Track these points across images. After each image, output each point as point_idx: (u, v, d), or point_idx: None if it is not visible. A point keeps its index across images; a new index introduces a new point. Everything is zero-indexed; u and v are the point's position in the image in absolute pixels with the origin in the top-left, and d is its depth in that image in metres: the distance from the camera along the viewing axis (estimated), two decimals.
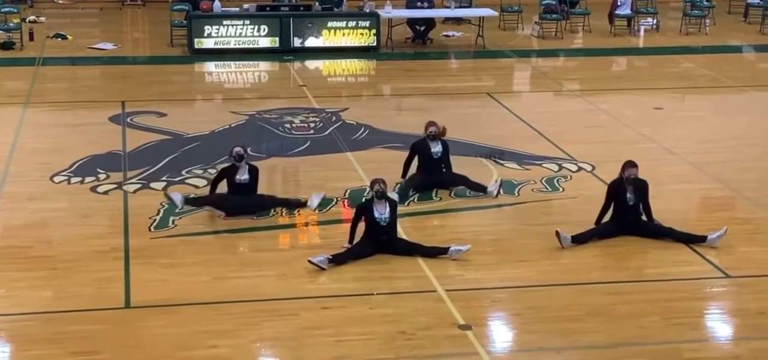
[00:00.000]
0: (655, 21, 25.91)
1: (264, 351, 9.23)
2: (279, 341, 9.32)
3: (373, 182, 11.21)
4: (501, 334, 9.72)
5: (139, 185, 13.27)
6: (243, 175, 12.14)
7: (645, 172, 11.97)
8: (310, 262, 10.64)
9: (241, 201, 12.13)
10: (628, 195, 11.59)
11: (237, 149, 12.27)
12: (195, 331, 9.39)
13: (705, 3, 25.88)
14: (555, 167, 14.24)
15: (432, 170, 13.05)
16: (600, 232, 11.60)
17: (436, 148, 13.06)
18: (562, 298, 10.24)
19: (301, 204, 12.24)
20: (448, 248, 10.97)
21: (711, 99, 19.09)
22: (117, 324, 9.57)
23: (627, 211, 11.62)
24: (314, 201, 12.04)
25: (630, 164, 11.64)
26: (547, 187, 13.45)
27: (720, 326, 9.94)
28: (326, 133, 15.94)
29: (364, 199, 11.65)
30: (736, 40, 24.88)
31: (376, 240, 10.98)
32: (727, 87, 19.89)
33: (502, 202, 12.88)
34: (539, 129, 16.16)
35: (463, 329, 9.50)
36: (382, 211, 11.02)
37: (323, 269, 10.60)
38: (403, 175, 13.18)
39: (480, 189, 12.97)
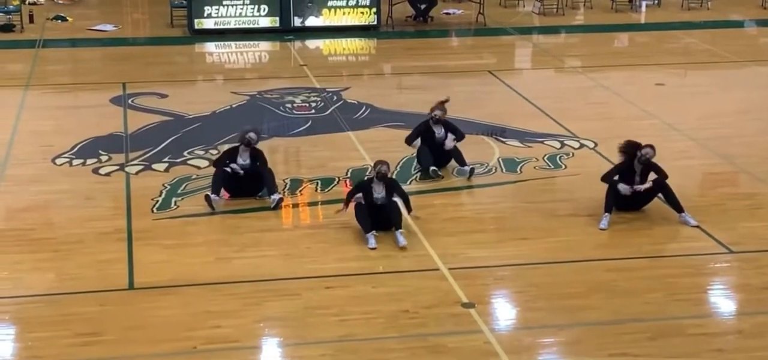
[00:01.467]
0: None
1: (268, 331, 9.23)
2: (283, 321, 9.32)
3: (377, 163, 11.23)
4: (504, 311, 9.72)
5: (141, 166, 13.27)
6: (245, 160, 12.05)
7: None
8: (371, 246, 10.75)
9: (242, 185, 12.04)
10: (637, 177, 11.50)
11: (250, 135, 12.08)
12: (198, 312, 9.40)
13: None
14: (557, 144, 14.22)
15: (437, 150, 13.02)
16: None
17: (440, 132, 13.03)
18: (565, 275, 10.25)
19: (271, 193, 11.98)
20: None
21: (713, 74, 19.05)
22: (120, 305, 9.58)
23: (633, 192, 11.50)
24: (274, 199, 11.90)
25: (649, 146, 11.50)
26: (550, 164, 13.43)
27: (723, 301, 9.94)
28: (327, 112, 15.92)
29: (365, 178, 11.63)
30: (737, 15, 24.80)
31: (374, 218, 11.00)
32: (729, 62, 19.85)
33: (504, 180, 12.88)
34: (541, 106, 16.14)
35: (466, 307, 9.50)
36: (379, 192, 11.06)
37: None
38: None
39: (463, 163, 12.99)
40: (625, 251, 10.91)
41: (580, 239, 11.13)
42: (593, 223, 11.42)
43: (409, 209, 11.24)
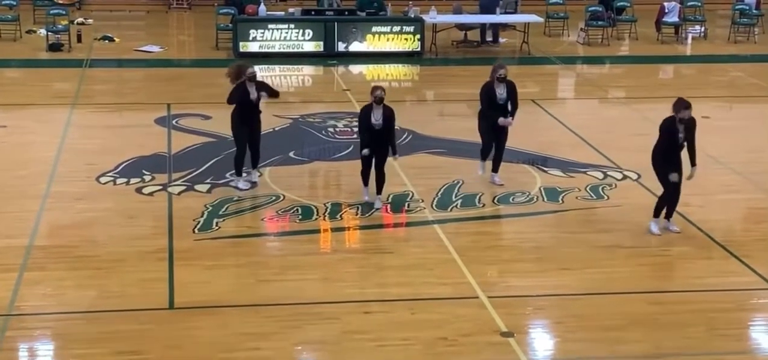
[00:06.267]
0: (703, 29, 25.65)
1: (306, 354, 9.25)
2: (321, 345, 9.33)
3: (374, 88, 12.17)
4: (543, 342, 9.66)
5: (184, 187, 13.37)
6: (254, 93, 13.00)
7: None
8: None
9: (254, 114, 13.18)
10: (680, 135, 11.67)
11: (251, 71, 13.12)
12: (237, 333, 9.44)
13: (754, 11, 25.57)
14: (600, 175, 14.14)
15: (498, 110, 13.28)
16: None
17: (502, 92, 13.24)
18: (605, 307, 10.16)
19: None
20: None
21: (759, 108, 18.86)
22: (161, 324, 9.65)
23: (677, 148, 11.73)
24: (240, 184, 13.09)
25: (684, 106, 11.66)
26: (592, 195, 13.36)
27: (765, 338, 9.80)
28: None
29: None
30: None
31: (371, 142, 12.16)
32: None
33: (545, 210, 12.82)
34: (584, 136, 16.06)
35: (505, 336, 9.46)
36: (378, 118, 12.05)
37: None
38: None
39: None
40: (667, 284, 10.81)
41: (622, 271, 11.04)
42: (635, 255, 11.33)
43: (394, 151, 12.51)
